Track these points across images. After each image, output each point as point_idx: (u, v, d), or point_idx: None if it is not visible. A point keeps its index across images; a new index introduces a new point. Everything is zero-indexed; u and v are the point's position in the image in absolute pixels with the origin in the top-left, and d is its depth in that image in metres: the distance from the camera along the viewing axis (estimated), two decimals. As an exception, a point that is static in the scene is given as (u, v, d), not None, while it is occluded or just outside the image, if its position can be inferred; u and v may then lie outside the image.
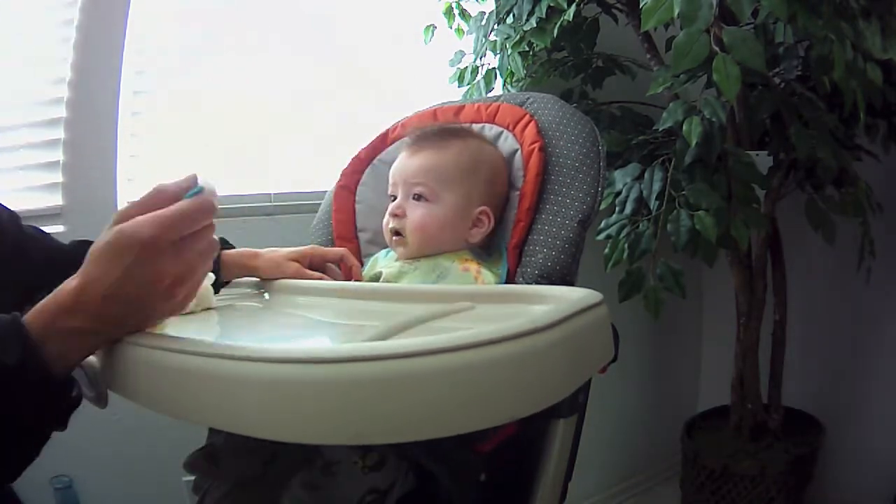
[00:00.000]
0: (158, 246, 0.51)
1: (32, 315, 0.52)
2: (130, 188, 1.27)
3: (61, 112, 1.19)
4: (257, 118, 1.42)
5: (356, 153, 1.05)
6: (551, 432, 0.68)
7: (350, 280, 0.90)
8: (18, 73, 1.19)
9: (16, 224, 0.81)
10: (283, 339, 0.70)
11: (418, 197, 0.86)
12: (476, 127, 0.96)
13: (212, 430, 0.85)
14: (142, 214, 0.52)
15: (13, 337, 0.49)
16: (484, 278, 0.82)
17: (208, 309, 0.75)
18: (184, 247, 0.52)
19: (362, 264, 0.95)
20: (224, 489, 0.80)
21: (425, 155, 0.87)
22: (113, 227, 0.52)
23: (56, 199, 1.20)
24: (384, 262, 0.91)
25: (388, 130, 1.05)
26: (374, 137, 1.05)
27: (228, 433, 0.82)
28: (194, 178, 0.55)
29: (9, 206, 0.81)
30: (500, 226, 0.90)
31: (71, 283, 0.52)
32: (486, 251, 0.89)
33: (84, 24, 1.19)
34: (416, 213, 0.86)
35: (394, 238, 0.88)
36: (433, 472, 0.67)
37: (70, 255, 0.76)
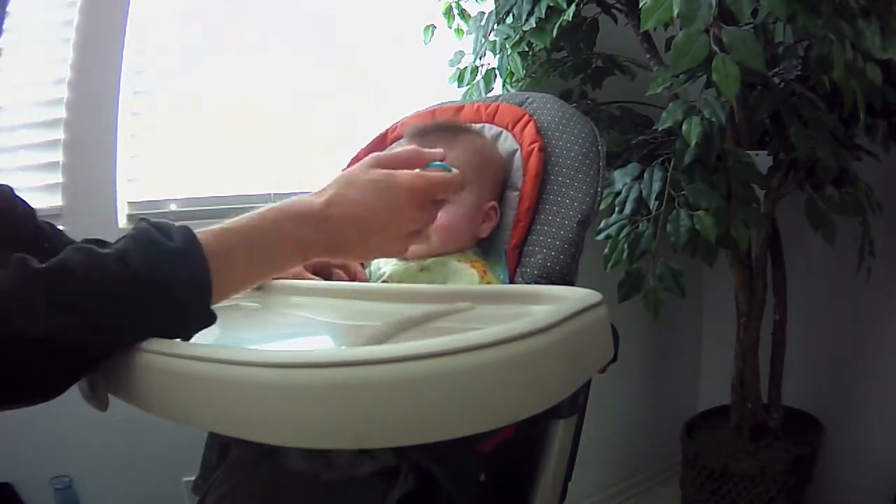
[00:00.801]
0: (423, 198, 0.60)
1: (259, 213, 0.56)
2: (130, 188, 1.28)
3: (61, 113, 1.19)
4: (257, 118, 1.42)
5: (356, 153, 1.05)
6: (551, 433, 0.68)
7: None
8: (18, 73, 1.19)
9: (32, 219, 0.81)
10: (282, 339, 0.70)
11: None
12: (476, 127, 0.96)
13: (208, 443, 0.86)
14: (397, 168, 0.61)
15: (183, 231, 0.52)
16: (490, 279, 0.82)
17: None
18: (432, 207, 0.62)
19: (363, 265, 0.95)
20: (224, 489, 0.80)
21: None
22: (371, 169, 0.61)
23: (56, 200, 1.20)
24: (389, 262, 0.91)
25: (387, 130, 1.05)
26: (373, 137, 1.05)
27: (220, 448, 0.82)
28: (442, 154, 0.66)
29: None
30: (498, 226, 0.91)
31: (317, 197, 0.58)
32: (484, 252, 0.89)
33: (84, 24, 1.19)
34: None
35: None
36: (433, 472, 0.67)
37: None
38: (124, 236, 0.51)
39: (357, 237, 0.59)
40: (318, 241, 0.57)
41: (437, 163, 0.65)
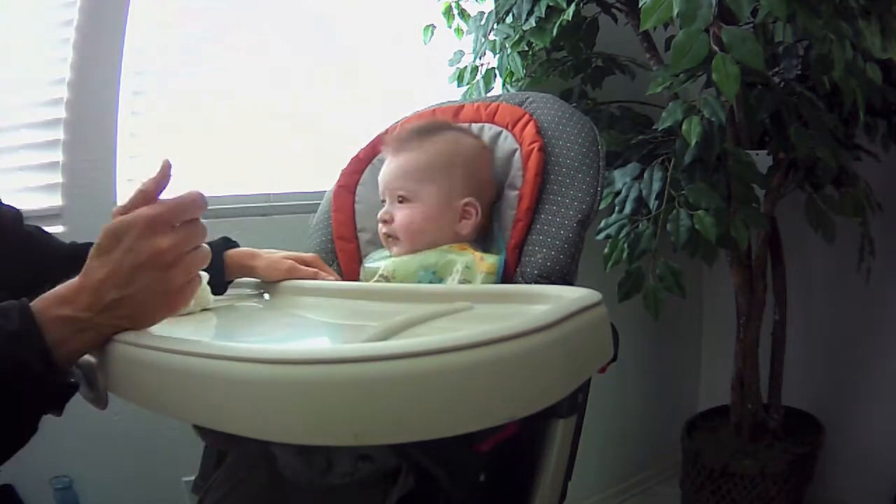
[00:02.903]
0: (155, 225, 0.54)
1: (35, 301, 0.53)
2: (130, 188, 1.27)
3: (61, 112, 1.19)
4: (257, 118, 1.42)
5: (356, 153, 1.05)
6: (551, 432, 0.68)
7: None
8: (18, 73, 1.19)
9: (19, 223, 0.81)
10: (281, 339, 0.70)
11: (401, 199, 0.88)
12: (476, 127, 0.96)
13: (205, 450, 0.85)
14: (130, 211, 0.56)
15: (16, 310, 0.51)
16: (487, 262, 0.82)
17: (206, 310, 0.75)
18: (177, 231, 0.56)
19: (362, 263, 0.95)
20: (224, 489, 0.80)
21: (402, 158, 0.89)
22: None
23: (56, 200, 1.20)
24: (381, 258, 0.91)
25: (387, 130, 1.05)
26: (373, 137, 1.05)
27: (219, 452, 0.82)
28: (168, 166, 0.59)
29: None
30: (496, 221, 0.90)
31: (75, 279, 0.54)
32: (482, 246, 0.89)
33: (84, 24, 1.19)
34: (401, 215, 0.88)
35: (388, 240, 0.90)
36: (432, 472, 0.67)
37: (72, 256, 0.76)
38: None
39: (120, 296, 0.53)
40: (87, 318, 0.53)
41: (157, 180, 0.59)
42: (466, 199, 0.87)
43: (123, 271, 0.53)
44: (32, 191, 1.19)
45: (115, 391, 0.54)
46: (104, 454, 1.20)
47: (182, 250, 0.56)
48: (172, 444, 1.14)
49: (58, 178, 1.20)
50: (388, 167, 0.91)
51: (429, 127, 0.93)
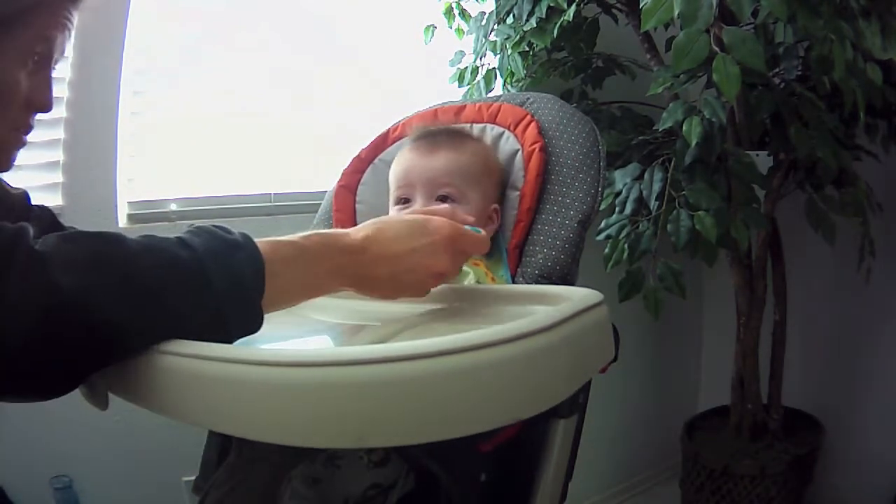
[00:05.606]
0: (451, 244, 0.62)
1: (303, 235, 0.57)
2: (130, 188, 1.27)
3: (61, 112, 1.19)
4: (257, 118, 1.42)
5: (357, 153, 1.05)
6: (551, 432, 0.68)
7: None
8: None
9: (56, 224, 0.82)
10: (284, 339, 0.70)
11: (444, 198, 0.85)
12: (478, 127, 0.96)
13: (208, 443, 0.85)
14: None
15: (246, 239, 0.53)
16: (493, 277, 0.82)
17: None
18: (460, 257, 0.64)
19: None
20: (224, 489, 0.80)
21: (445, 155, 0.87)
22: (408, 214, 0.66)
23: (56, 199, 1.19)
24: None
25: (388, 130, 1.05)
26: (374, 137, 1.05)
27: (220, 448, 0.82)
28: (473, 220, 0.72)
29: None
30: (499, 226, 0.91)
31: (355, 233, 0.59)
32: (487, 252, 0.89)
33: (84, 24, 1.19)
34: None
35: None
36: (433, 472, 0.67)
37: None
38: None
39: (387, 275, 0.60)
40: (350, 274, 0.58)
41: (468, 227, 0.67)
42: (495, 205, 0.89)
43: (405, 262, 0.59)
44: (32, 190, 1.18)
45: (117, 393, 0.54)
46: (104, 454, 1.20)
47: (449, 275, 0.63)
48: (172, 444, 1.13)
49: (58, 177, 1.20)
50: (428, 162, 0.87)
51: (460, 130, 0.93)
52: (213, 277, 0.48)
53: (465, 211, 0.83)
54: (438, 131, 0.91)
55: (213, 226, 0.53)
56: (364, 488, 0.71)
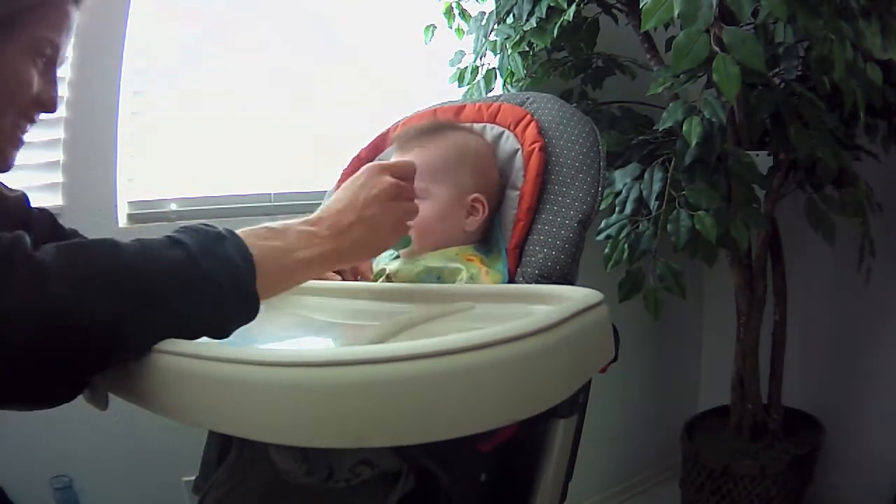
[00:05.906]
0: (384, 169, 0.68)
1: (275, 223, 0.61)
2: (130, 188, 1.27)
3: (61, 112, 1.19)
4: (257, 118, 1.42)
5: (356, 153, 1.05)
6: (551, 432, 0.68)
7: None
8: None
9: (56, 226, 0.83)
10: (284, 339, 0.70)
11: None
12: (477, 127, 0.96)
13: (208, 443, 0.85)
14: None
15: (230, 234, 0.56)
16: (492, 277, 0.82)
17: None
18: (402, 189, 0.69)
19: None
20: (224, 489, 0.80)
21: (411, 156, 0.88)
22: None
23: (56, 199, 1.19)
24: (387, 259, 0.91)
25: (388, 130, 1.05)
26: (374, 137, 1.05)
27: (220, 448, 0.82)
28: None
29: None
30: (499, 223, 0.90)
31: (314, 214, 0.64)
32: (485, 247, 0.89)
33: (84, 23, 1.19)
34: None
35: None
36: (433, 472, 0.67)
37: None
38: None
39: (359, 227, 0.64)
40: (326, 246, 0.61)
41: None
42: (475, 195, 0.88)
43: (360, 200, 0.65)
44: (32, 190, 1.18)
45: (118, 393, 0.54)
46: (104, 454, 1.20)
47: (402, 189, 0.68)
48: (172, 445, 1.14)
49: (58, 177, 1.20)
50: None
51: (435, 126, 0.93)
52: (208, 269, 0.50)
53: (428, 207, 0.85)
54: (410, 134, 0.92)
55: (197, 224, 0.55)
56: (353, 462, 0.70)
